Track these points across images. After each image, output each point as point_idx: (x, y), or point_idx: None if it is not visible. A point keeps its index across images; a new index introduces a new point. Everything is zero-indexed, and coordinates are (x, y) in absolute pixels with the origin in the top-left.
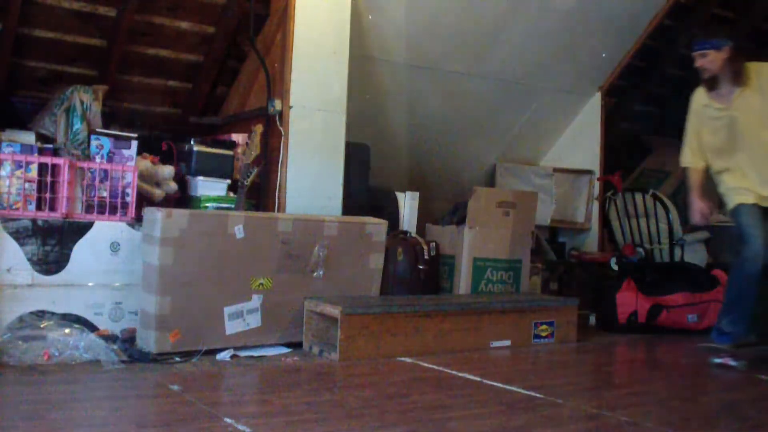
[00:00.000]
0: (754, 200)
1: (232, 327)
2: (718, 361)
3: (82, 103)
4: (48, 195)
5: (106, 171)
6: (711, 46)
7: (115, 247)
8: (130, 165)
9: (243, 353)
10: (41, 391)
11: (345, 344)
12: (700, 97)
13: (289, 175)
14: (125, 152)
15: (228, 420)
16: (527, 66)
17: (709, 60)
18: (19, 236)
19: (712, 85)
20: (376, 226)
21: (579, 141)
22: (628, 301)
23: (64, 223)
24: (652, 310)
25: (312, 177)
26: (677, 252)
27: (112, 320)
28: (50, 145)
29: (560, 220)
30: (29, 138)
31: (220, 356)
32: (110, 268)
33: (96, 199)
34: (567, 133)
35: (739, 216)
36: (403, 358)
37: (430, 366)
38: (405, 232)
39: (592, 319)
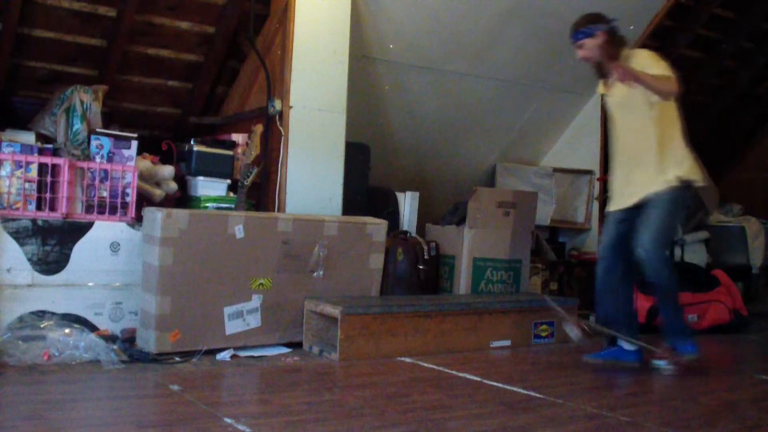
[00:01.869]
0: (614, 206)
1: (232, 327)
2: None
3: (82, 103)
4: (48, 195)
5: (106, 171)
6: (584, 35)
7: (115, 247)
8: (130, 165)
9: (243, 353)
10: (41, 391)
11: (345, 344)
12: (599, 87)
13: (289, 175)
14: (125, 152)
15: (228, 420)
16: (527, 66)
17: (587, 49)
18: (19, 236)
19: (600, 74)
20: (376, 226)
21: (579, 141)
22: None
23: (64, 223)
24: (652, 310)
25: (312, 177)
26: (677, 252)
27: (112, 320)
28: (50, 145)
29: (560, 220)
30: (29, 138)
31: (220, 356)
32: (110, 268)
33: (96, 199)
34: (567, 133)
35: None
36: (403, 358)
37: (430, 366)
38: (405, 232)
39: (592, 319)
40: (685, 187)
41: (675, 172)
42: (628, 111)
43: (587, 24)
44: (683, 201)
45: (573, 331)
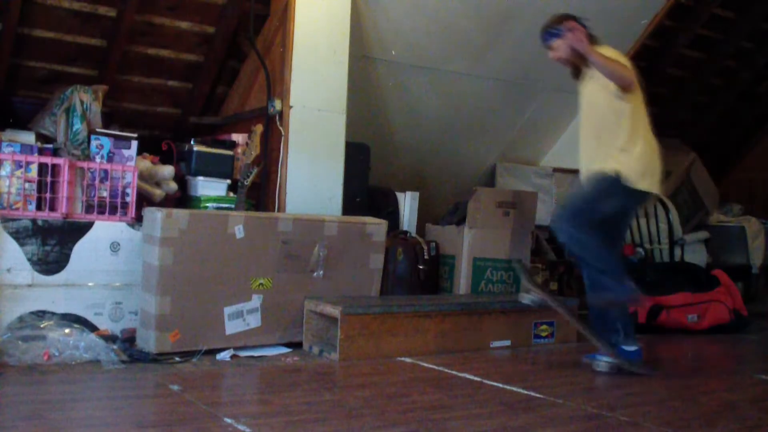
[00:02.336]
0: None
1: (232, 327)
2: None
3: (82, 103)
4: (48, 195)
5: (106, 171)
6: (553, 36)
7: (115, 247)
8: (130, 165)
9: (243, 353)
10: (41, 391)
11: (345, 344)
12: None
13: (289, 175)
14: (125, 152)
15: (228, 420)
16: (527, 66)
17: (557, 49)
18: (19, 236)
19: (575, 74)
20: (376, 226)
21: (579, 141)
22: None
23: (64, 223)
24: (651, 310)
25: (312, 177)
26: (677, 252)
27: (112, 320)
28: (50, 145)
29: None
30: (29, 138)
31: (220, 356)
32: (110, 268)
33: (96, 199)
34: (567, 133)
35: None
36: (403, 358)
37: (430, 366)
38: (405, 232)
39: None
40: (615, 180)
41: (615, 164)
42: (598, 107)
43: (555, 24)
44: (609, 192)
45: (525, 298)
